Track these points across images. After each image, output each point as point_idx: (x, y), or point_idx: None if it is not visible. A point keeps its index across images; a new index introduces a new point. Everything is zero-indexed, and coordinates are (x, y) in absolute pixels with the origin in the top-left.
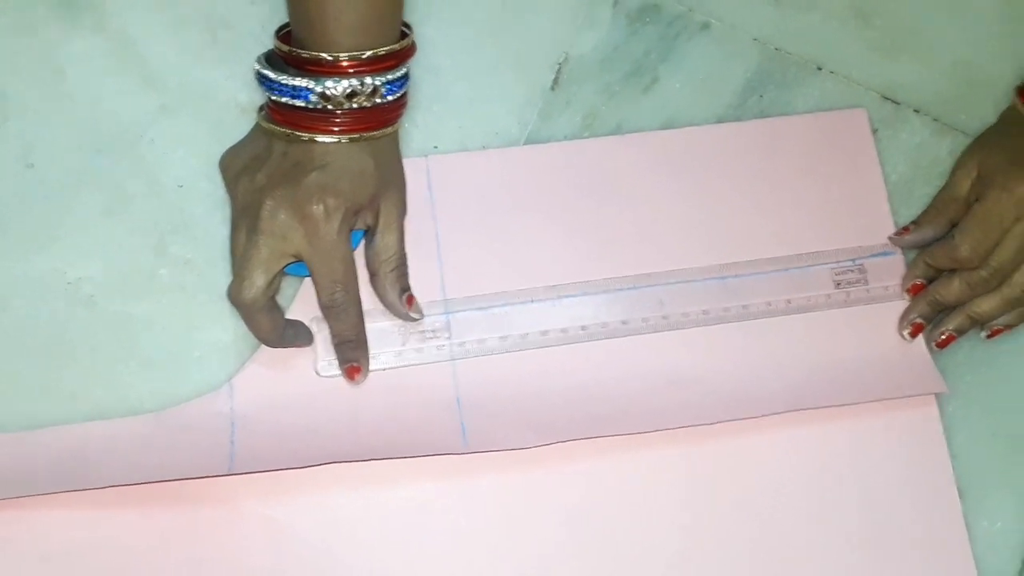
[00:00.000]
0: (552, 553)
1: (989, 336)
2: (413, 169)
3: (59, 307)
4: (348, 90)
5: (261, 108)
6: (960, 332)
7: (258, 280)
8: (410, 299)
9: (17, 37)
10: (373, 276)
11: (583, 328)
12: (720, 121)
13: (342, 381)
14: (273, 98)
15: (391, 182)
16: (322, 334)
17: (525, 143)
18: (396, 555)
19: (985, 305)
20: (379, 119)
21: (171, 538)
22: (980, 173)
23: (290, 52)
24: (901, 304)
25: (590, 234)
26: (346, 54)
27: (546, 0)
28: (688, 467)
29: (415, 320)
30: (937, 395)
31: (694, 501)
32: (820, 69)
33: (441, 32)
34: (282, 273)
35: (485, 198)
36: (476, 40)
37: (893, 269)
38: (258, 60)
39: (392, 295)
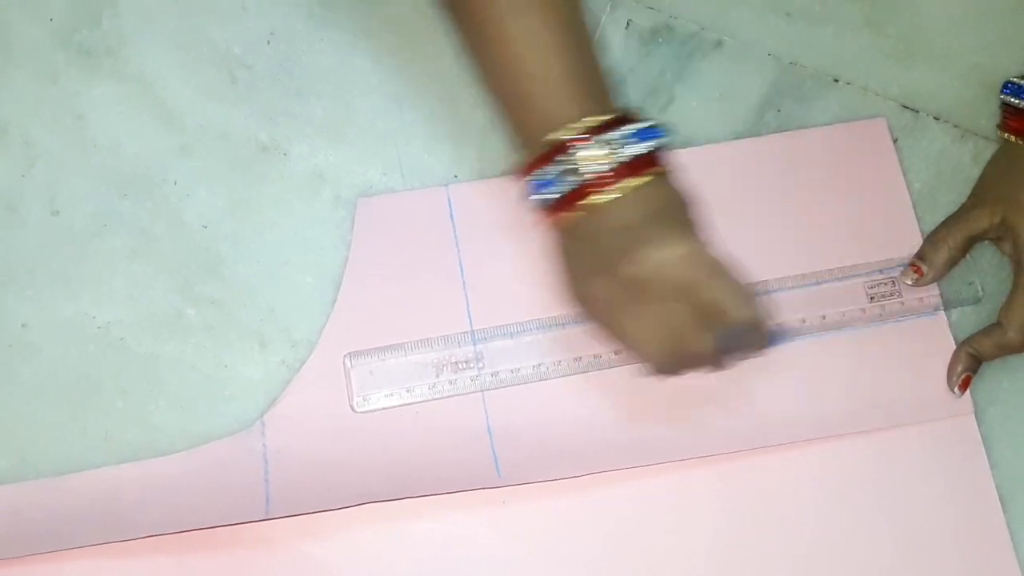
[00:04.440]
0: None
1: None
2: (433, 198)
3: (89, 350)
4: (587, 158)
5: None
6: (973, 371)
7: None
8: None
9: (39, 85)
10: None
11: (617, 353)
12: (738, 137)
13: (375, 415)
14: (543, 196)
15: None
16: (356, 370)
17: None
18: None
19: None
20: (637, 169)
21: None
22: (1007, 222)
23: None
24: (936, 318)
25: None
26: (568, 129)
27: None
28: (723, 489)
29: None
30: (974, 403)
31: (730, 523)
32: (837, 81)
33: (457, 63)
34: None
35: (507, 224)
36: None
37: None
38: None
39: None
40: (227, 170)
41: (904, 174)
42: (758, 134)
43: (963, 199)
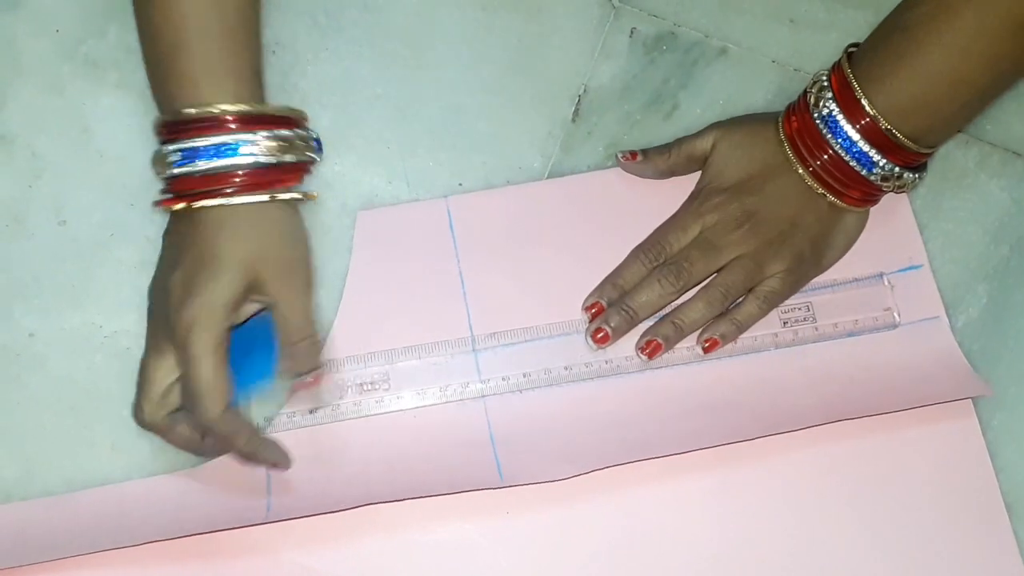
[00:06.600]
0: None
1: (706, 350)
2: (433, 211)
3: (96, 360)
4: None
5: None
6: (667, 340)
7: (145, 405)
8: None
9: (45, 97)
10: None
11: (607, 362)
12: None
13: (376, 423)
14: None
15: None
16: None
17: (548, 176)
18: None
19: (691, 313)
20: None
21: None
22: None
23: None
24: (934, 323)
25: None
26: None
27: (562, 35)
28: (724, 494)
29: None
30: (978, 408)
31: (731, 528)
32: None
33: (461, 72)
34: (173, 387)
35: (509, 234)
36: (496, 78)
37: (922, 284)
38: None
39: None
40: None
41: None
42: None
43: (967, 204)
